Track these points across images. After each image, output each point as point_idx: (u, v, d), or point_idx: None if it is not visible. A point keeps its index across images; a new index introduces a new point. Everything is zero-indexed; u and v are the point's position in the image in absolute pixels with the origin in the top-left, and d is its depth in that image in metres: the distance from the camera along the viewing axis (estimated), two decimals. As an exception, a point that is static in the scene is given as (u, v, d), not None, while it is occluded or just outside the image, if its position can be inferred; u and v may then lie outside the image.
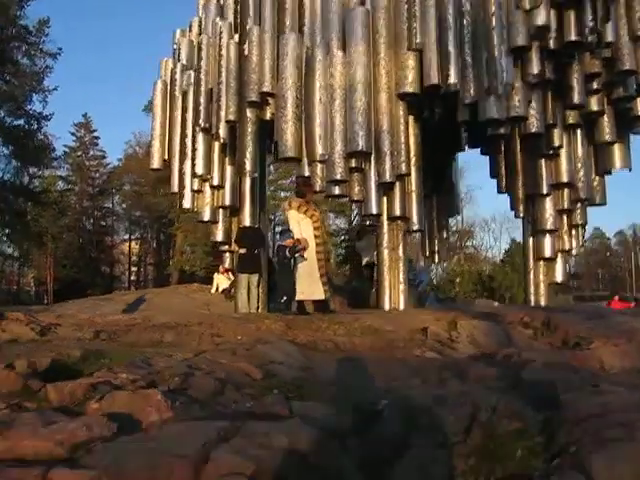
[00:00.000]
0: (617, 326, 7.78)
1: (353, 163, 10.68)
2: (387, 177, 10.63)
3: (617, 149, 11.94)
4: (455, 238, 51.00)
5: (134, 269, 70.61)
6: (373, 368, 5.14)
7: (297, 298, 9.65)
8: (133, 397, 3.05)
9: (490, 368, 4.68)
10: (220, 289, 18.96)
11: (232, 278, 17.82)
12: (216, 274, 19.24)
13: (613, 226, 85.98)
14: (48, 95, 35.27)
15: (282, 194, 46.83)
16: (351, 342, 6.98)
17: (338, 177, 10.59)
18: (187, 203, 13.65)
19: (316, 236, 10.04)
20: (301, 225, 9.88)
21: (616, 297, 23.70)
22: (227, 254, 14.24)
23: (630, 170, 12.26)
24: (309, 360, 5.57)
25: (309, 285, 9.70)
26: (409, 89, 10.47)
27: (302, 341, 6.84)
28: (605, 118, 11.36)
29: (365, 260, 13.93)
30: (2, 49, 32.38)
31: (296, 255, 9.55)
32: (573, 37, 9.61)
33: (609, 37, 9.95)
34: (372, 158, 10.72)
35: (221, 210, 13.50)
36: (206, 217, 13.53)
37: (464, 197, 41.65)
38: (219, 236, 13.71)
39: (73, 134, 64.46)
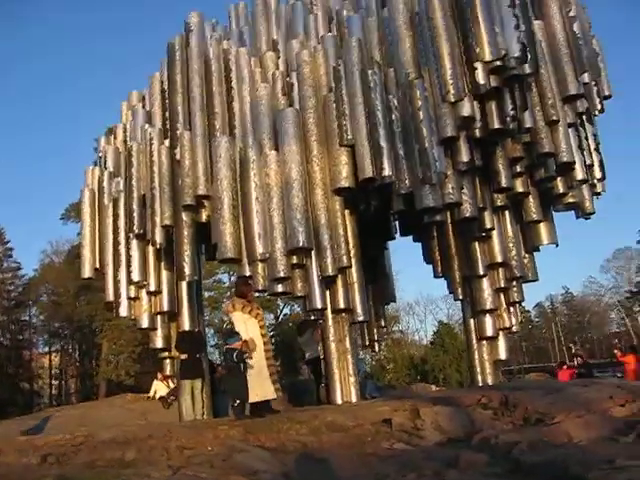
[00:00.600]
0: (574, 398, 7.93)
1: (294, 259, 10.74)
2: (329, 271, 10.71)
3: (543, 226, 12.44)
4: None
5: (55, 382, 67.72)
6: (356, 467, 5.03)
7: (251, 400, 9.42)
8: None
9: (479, 454, 4.66)
10: (157, 396, 18.35)
11: (171, 385, 17.30)
12: (155, 381, 18.64)
13: (531, 299, 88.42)
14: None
15: (206, 294, 46.28)
16: (319, 441, 6.84)
17: (281, 275, 10.60)
18: (124, 311, 13.36)
19: (263, 335, 9.92)
20: (247, 325, 9.76)
21: (564, 366, 24.21)
22: (167, 360, 13.90)
23: (557, 246, 12.76)
24: (287, 465, 5.41)
25: (261, 385, 9.50)
26: (344, 184, 10.71)
27: (271, 445, 6.66)
28: (530, 198, 11.87)
29: (308, 355, 13.81)
30: None
31: (245, 357, 9.39)
32: (496, 125, 10.10)
33: (528, 123, 10.50)
34: (313, 253, 10.81)
35: (159, 316, 13.26)
36: (144, 324, 13.25)
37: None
38: (158, 343, 13.41)
39: (-15, 247, 62.59)
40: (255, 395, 9.46)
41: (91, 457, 7.64)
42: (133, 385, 39.13)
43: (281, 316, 49.33)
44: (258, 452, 5.77)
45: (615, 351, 23.35)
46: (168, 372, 14.24)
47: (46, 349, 67.43)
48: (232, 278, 46.42)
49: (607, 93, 11.98)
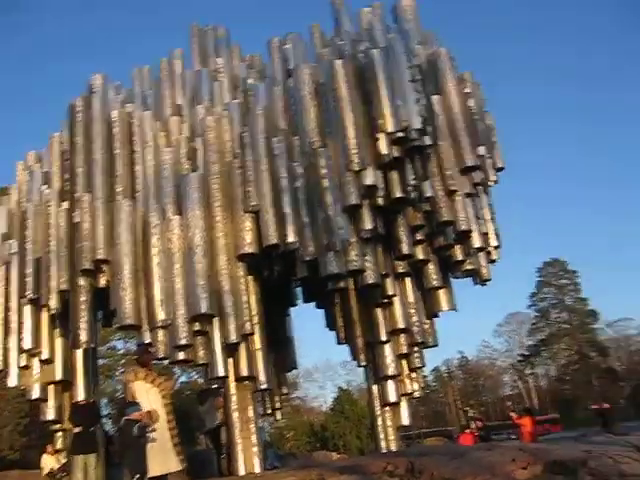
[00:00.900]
0: (478, 462, 8.01)
1: (197, 326, 10.54)
2: (232, 338, 10.55)
3: (443, 293, 12.71)
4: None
5: None
6: None
7: (152, 474, 8.99)
8: None
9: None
10: (45, 472, 17.28)
11: (62, 460, 16.36)
12: (44, 455, 17.57)
13: (427, 364, 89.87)
14: None
15: (100, 362, 44.48)
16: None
17: (182, 342, 10.37)
18: (13, 381, 12.67)
19: (165, 405, 9.58)
20: (149, 395, 9.41)
21: (467, 430, 24.55)
22: (59, 433, 13.19)
23: (456, 311, 13.06)
24: None
25: (163, 458, 9.12)
26: (248, 250, 10.68)
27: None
28: (430, 265, 12.14)
29: (209, 424, 13.43)
30: None
31: (147, 429, 9.00)
32: (398, 194, 10.36)
33: (428, 192, 10.85)
34: (216, 320, 10.64)
35: (52, 386, 12.62)
36: (35, 394, 12.57)
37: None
38: (50, 414, 12.74)
39: None
40: (157, 469, 9.06)
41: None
42: (18, 459, 36.75)
43: (178, 384, 48.00)
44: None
45: (511, 414, 23.90)
46: (59, 446, 13.46)
47: None
48: (127, 345, 44.98)
49: (500, 165, 12.53)
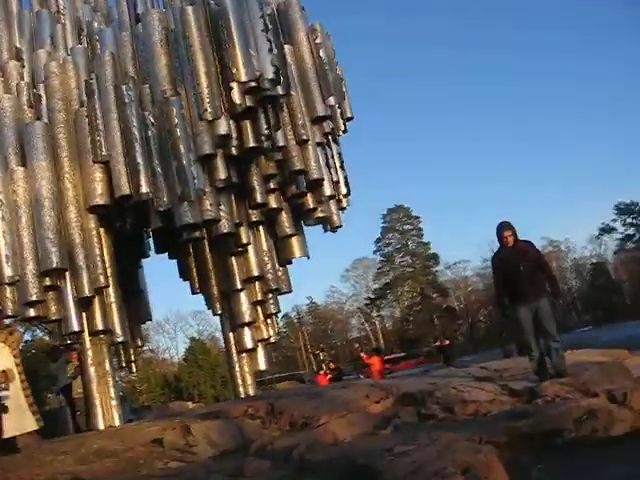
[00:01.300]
0: (335, 400, 8.46)
1: (48, 281, 10.22)
2: (86, 292, 10.36)
3: (295, 240, 13.00)
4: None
5: None
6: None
7: (7, 435, 8.74)
8: None
9: (261, 461, 4.82)
10: None
11: None
12: None
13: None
14: None
15: None
16: (90, 470, 6.59)
17: (33, 298, 10.04)
18: None
19: (17, 364, 9.28)
20: (1, 355, 9.08)
21: (321, 372, 25.46)
22: None
23: (308, 258, 13.44)
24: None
25: (19, 418, 8.87)
26: (99, 201, 10.44)
27: (37, 480, 6.29)
28: (283, 214, 12.37)
29: (62, 382, 13.16)
30: None
31: (1, 390, 8.71)
32: (252, 143, 10.44)
33: (280, 142, 10.99)
34: (67, 274, 10.37)
35: None
36: None
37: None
38: None
39: None
40: (13, 430, 8.82)
41: None
42: None
43: (22, 343, 46.02)
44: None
45: (361, 354, 25.03)
46: None
47: None
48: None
49: (349, 115, 12.88)
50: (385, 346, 74.52)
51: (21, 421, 8.90)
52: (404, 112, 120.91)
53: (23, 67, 11.97)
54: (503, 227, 9.15)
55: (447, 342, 29.70)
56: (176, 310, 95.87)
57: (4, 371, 8.77)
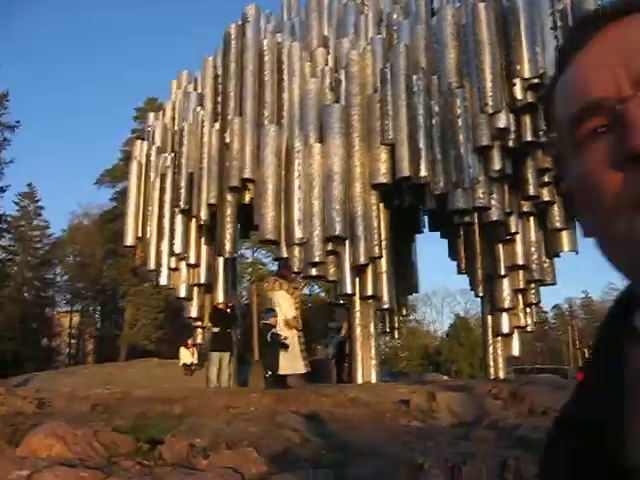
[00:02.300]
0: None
1: (330, 246, 11.52)
2: (361, 260, 11.49)
3: (565, 234, 13.06)
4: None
5: (74, 342, 69.13)
6: (382, 435, 5.82)
7: (280, 372, 10.27)
8: (234, 455, 3.68)
9: (488, 431, 5.42)
10: (181, 363, 19.23)
11: (196, 354, 18.24)
12: (182, 348, 19.54)
13: (549, 300, 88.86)
14: (4, 167, 35.47)
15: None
16: (345, 413, 7.64)
17: (316, 259, 11.39)
18: (163, 280, 14.22)
19: (297, 315, 10.75)
20: (286, 304, 10.59)
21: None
22: (199, 330, 14.77)
23: (577, 253, 13.41)
24: (323, 428, 6.22)
25: (292, 360, 10.35)
26: (382, 180, 11.46)
27: (302, 412, 7.46)
28: (555, 207, 12.51)
29: (337, 337, 14.63)
30: (-40, 122, 32.85)
31: (279, 333, 10.21)
32: (529, 138, 10.81)
33: (559, 137, 11.15)
34: (347, 242, 11.59)
35: (196, 288, 14.12)
36: (182, 294, 14.11)
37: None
38: (193, 312, 14.28)
39: (17, 203, 63.89)
40: (284, 368, 10.31)
41: (138, 410, 8.51)
42: (153, 350, 40.23)
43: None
44: (294, 416, 6.58)
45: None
46: (199, 340, 15.08)
47: (67, 308, 68.72)
48: (255, 254, 47.35)
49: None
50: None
51: (294, 363, 10.36)
52: None
53: (328, 54, 13.34)
54: None
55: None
56: (445, 285, 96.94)
57: (287, 319, 10.24)
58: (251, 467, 3.58)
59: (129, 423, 5.68)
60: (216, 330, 13.36)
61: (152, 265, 14.23)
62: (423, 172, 10.88)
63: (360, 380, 11.76)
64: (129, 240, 14.84)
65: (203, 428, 5.11)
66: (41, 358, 55.88)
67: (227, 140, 12.59)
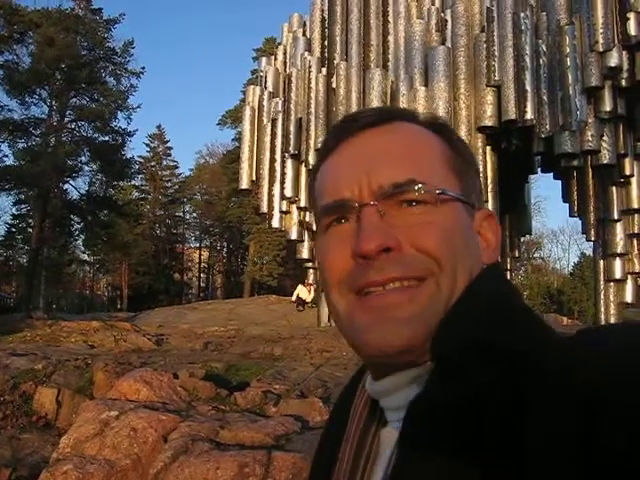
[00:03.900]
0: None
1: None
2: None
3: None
4: (522, 249, 50.88)
5: (203, 276, 72.32)
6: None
7: None
8: (301, 404, 4.00)
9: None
10: (294, 297, 19.97)
11: (312, 293, 18.82)
12: (300, 285, 20.19)
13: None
14: (132, 112, 37.13)
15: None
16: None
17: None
18: (275, 223, 14.74)
19: None
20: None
21: None
22: (311, 270, 15.27)
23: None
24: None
25: None
26: (488, 123, 11.29)
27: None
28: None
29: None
30: (91, 70, 34.41)
31: None
32: (644, 76, 10.31)
33: (679, 74, 10.57)
34: (454, 185, 11.55)
35: (307, 230, 14.53)
36: (293, 236, 14.58)
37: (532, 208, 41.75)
38: (304, 254, 14.74)
39: (147, 145, 66.65)
40: None
41: (245, 349, 9.09)
42: (275, 286, 41.63)
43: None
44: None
45: None
46: (311, 281, 15.60)
47: (196, 244, 71.74)
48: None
49: None
50: None
51: None
52: None
53: (435, -7, 13.09)
54: None
55: None
56: (574, 222, 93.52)
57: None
58: (315, 415, 3.88)
59: (227, 364, 6.14)
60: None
61: (265, 208, 14.74)
62: (529, 115, 10.63)
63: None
64: (244, 183, 15.40)
65: (290, 372, 5.47)
66: (174, 291, 59.13)
67: (333, 85, 12.73)
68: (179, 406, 3.81)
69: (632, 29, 9.91)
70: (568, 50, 10.28)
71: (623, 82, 10.40)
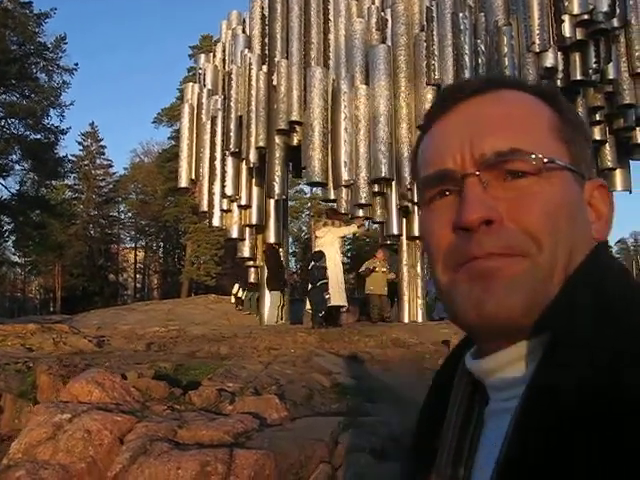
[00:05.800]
0: None
1: (376, 188, 11.64)
2: (407, 201, 11.58)
3: (618, 174, 12.85)
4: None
5: (139, 277, 71.30)
6: (414, 377, 6.07)
7: (330, 304, 10.81)
8: (257, 401, 3.97)
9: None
10: (233, 299, 19.77)
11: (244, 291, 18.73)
12: (236, 284, 19.99)
13: (613, 233, 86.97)
14: (65, 110, 36.27)
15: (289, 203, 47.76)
16: (384, 354, 7.90)
17: (363, 201, 11.54)
18: (216, 221, 14.59)
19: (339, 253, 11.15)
20: (332, 247, 11.00)
21: None
22: (252, 269, 15.18)
23: (630, 192, 13.18)
24: (357, 370, 6.50)
25: (337, 294, 10.88)
26: (428, 120, 11.40)
27: (343, 353, 7.77)
28: (607, 146, 12.29)
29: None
30: (22, 65, 33.45)
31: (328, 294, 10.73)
32: (578, 77, 10.60)
33: (611, 74, 10.90)
34: (393, 183, 11.68)
35: (248, 228, 14.45)
36: (234, 234, 14.46)
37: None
38: (245, 252, 14.65)
39: (80, 143, 65.27)
40: (333, 300, 10.85)
41: (190, 349, 8.97)
42: (213, 286, 41.29)
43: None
44: (332, 357, 6.88)
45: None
46: (252, 280, 15.48)
47: (132, 245, 70.62)
48: (314, 189, 47.73)
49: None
50: None
51: (338, 296, 10.82)
52: None
53: (376, -8, 13.19)
54: None
55: None
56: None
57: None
58: (272, 413, 3.86)
59: (175, 364, 6.05)
60: (269, 269, 13.72)
61: (205, 207, 14.59)
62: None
63: (406, 319, 12.00)
64: (183, 182, 15.21)
65: (240, 371, 5.42)
66: (109, 293, 58.02)
67: (274, 83, 12.68)
68: (133, 407, 3.74)
69: (567, 31, 10.18)
70: (506, 50, 10.49)
71: (559, 82, 10.67)
